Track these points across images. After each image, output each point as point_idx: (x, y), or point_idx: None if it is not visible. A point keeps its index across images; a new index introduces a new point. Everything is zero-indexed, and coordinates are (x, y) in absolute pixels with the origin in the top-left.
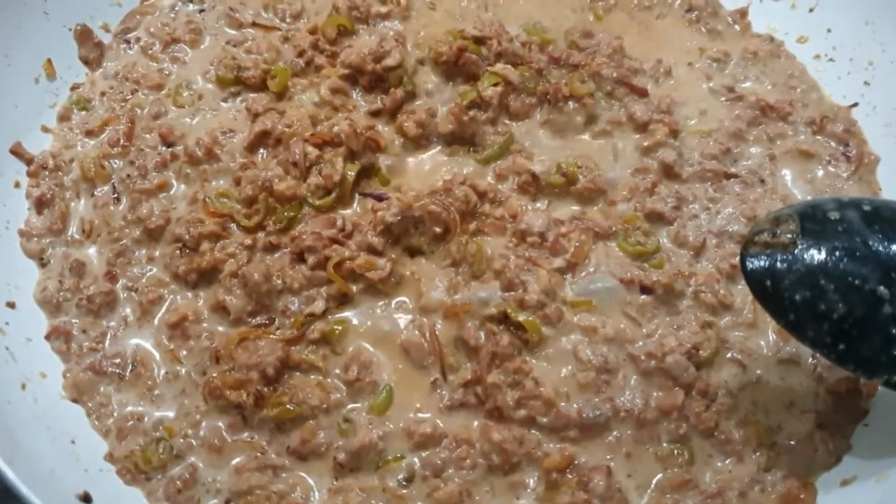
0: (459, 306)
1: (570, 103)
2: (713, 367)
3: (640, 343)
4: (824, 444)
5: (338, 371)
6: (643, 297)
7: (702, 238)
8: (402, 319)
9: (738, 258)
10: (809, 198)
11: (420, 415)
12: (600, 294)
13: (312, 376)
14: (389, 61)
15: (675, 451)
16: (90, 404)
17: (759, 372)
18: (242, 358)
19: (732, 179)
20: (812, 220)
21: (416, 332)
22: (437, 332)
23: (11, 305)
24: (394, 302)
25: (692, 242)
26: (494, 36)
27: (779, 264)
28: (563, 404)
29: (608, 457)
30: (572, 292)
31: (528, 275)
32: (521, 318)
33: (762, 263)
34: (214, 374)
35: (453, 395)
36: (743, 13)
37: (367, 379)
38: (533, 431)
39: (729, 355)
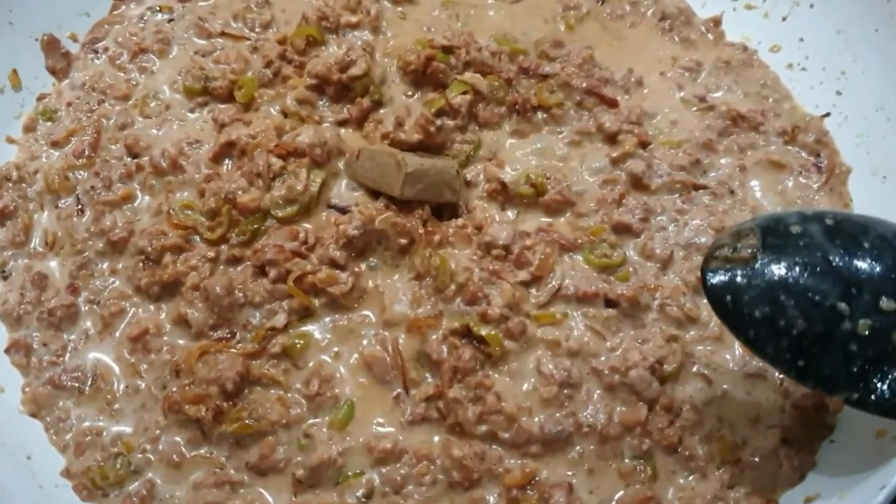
0: (423, 320)
1: (539, 113)
2: (678, 382)
3: (604, 357)
4: (789, 460)
5: (299, 385)
6: (608, 310)
7: (669, 250)
8: (365, 333)
9: None
10: (780, 209)
11: (381, 430)
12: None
13: (273, 391)
14: (355, 70)
15: (638, 467)
16: (49, 419)
17: (724, 386)
18: (202, 372)
19: (701, 191)
20: (774, 234)
21: (379, 346)
22: (400, 347)
23: None
24: (357, 316)
25: (659, 255)
26: (463, 45)
27: (739, 279)
28: (524, 419)
29: (570, 473)
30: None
31: (492, 288)
32: (484, 332)
33: (723, 279)
34: (174, 389)
35: (415, 410)
36: (717, 22)
37: (328, 393)
38: (494, 447)
39: (694, 369)
